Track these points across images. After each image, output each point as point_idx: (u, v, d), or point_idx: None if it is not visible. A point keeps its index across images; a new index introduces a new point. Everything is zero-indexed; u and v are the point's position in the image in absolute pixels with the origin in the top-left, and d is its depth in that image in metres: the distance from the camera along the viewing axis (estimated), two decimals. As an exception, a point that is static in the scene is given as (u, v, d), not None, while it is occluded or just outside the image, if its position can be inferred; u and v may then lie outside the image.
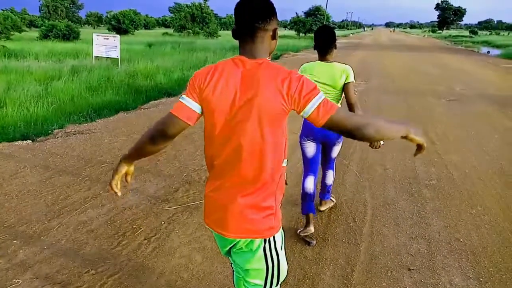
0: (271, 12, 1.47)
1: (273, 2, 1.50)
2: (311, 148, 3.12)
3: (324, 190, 3.53)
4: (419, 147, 1.54)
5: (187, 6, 47.32)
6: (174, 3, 55.42)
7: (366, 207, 3.68)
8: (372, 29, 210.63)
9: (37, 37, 31.67)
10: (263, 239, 1.52)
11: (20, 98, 8.90)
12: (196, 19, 45.69)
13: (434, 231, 3.27)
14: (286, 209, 3.48)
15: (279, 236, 1.57)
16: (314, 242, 3.04)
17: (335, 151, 3.29)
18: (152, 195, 3.83)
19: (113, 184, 1.66)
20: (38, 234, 3.09)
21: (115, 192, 1.67)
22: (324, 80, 2.92)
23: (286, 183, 1.66)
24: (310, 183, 3.12)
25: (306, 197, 3.11)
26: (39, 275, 2.58)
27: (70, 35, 31.15)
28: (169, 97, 9.89)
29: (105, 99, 9.32)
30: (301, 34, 49.42)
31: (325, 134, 3.03)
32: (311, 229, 3.07)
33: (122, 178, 1.68)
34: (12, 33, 28.50)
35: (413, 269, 2.77)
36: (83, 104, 8.68)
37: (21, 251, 2.85)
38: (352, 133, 1.39)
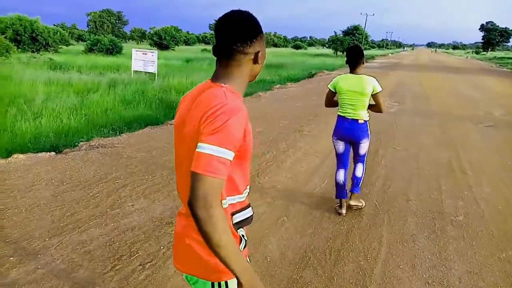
0: (254, 33, 1.30)
1: (258, 20, 1.34)
2: (340, 146, 3.84)
3: (354, 182, 3.92)
4: None
5: (226, 23, 48.19)
6: (214, 20, 56.42)
7: (381, 244, 3.38)
8: (412, 49, 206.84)
9: (82, 51, 33.28)
10: (210, 282, 1.33)
11: (57, 109, 9.24)
12: (234, 36, 46.41)
13: (455, 277, 2.93)
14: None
15: (233, 283, 1.34)
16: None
17: (362, 148, 3.80)
18: (157, 216, 3.72)
19: None
20: (37, 251, 3.05)
21: None
22: (354, 88, 3.54)
23: (236, 228, 1.37)
24: (341, 175, 3.88)
25: (338, 185, 3.89)
26: (26, 298, 2.51)
27: (113, 50, 32.51)
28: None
29: (137, 113, 9.48)
30: (338, 52, 49.11)
31: (350, 135, 3.71)
32: (343, 211, 3.86)
33: None
34: (60, 46, 30.01)
35: (425, 321, 2.47)
36: (115, 117, 8.88)
37: (14, 269, 2.80)
38: (189, 202, 1.14)
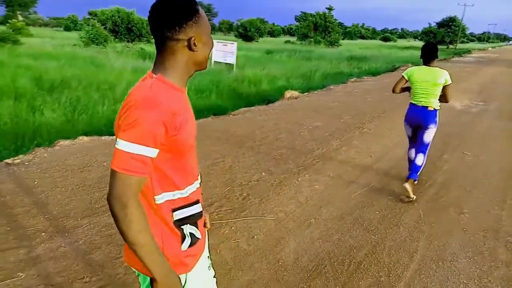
0: (184, 16, 1.19)
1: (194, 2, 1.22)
2: (409, 130, 4.32)
3: (412, 169, 4.17)
4: None
5: (311, 15, 47.55)
6: (301, 12, 56.16)
7: (412, 260, 3.03)
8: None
9: (171, 41, 35.22)
10: (149, 277, 1.26)
11: (134, 96, 9.87)
12: (318, 28, 45.60)
13: (490, 309, 2.52)
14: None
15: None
16: (414, 197, 4.03)
17: (427, 135, 4.10)
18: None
19: None
20: (66, 230, 3.26)
21: None
22: (427, 79, 3.93)
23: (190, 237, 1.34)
24: (412, 153, 4.33)
25: (410, 161, 4.35)
26: (41, 273, 2.68)
27: (199, 40, 33.88)
28: (268, 103, 9.79)
29: (207, 102, 9.74)
30: (430, 45, 45.65)
31: (418, 119, 4.09)
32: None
33: None
34: (152, 37, 32.04)
35: None
36: (187, 106, 9.23)
37: (42, 245, 3.02)
38: (107, 199, 1.15)
